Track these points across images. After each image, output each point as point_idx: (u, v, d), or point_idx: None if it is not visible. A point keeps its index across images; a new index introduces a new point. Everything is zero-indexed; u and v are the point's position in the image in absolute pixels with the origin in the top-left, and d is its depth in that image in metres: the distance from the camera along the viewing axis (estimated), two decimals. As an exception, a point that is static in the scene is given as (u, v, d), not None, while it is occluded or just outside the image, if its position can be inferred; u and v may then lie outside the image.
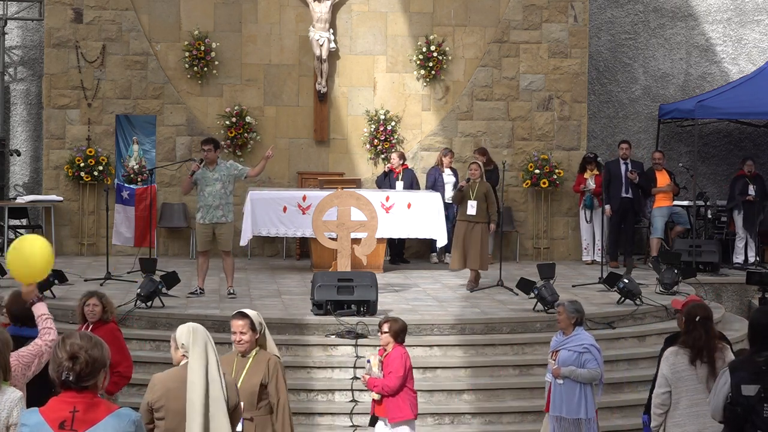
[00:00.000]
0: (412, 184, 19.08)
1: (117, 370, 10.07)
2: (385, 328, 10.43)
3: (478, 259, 15.96)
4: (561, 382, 10.48)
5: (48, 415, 5.36)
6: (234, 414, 7.22)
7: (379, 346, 10.73)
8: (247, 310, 8.43)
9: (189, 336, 7.13)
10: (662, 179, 19.81)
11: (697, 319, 8.62)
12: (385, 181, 19.03)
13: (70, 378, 5.32)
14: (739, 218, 19.99)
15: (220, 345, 13.24)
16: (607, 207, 18.68)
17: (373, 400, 10.52)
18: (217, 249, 15.26)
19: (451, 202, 17.85)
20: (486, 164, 18.86)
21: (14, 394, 6.12)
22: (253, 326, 8.28)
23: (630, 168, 19.35)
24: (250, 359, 8.27)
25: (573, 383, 10.44)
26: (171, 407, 7.02)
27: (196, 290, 15.32)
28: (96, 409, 5.36)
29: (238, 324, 8.30)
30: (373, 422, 10.61)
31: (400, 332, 10.47)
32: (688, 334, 8.63)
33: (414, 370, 13.27)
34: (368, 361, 10.57)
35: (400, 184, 18.83)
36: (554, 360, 10.58)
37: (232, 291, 15.34)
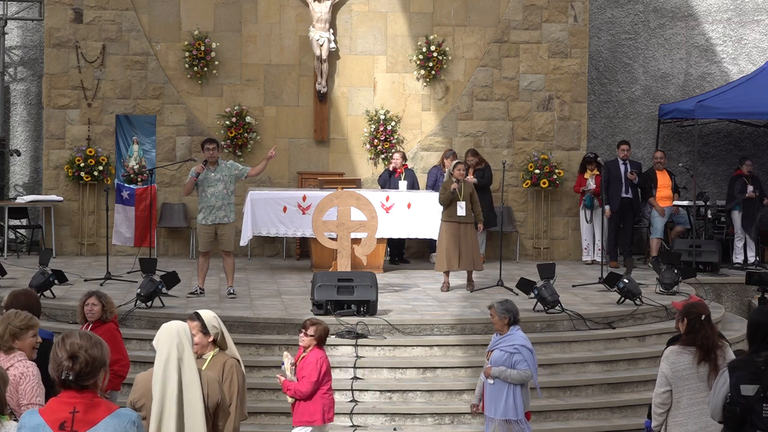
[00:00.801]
0: (413, 184, 19.11)
1: (112, 369, 10.09)
2: (311, 331, 10.26)
3: (473, 260, 15.96)
4: (491, 382, 10.44)
5: (48, 416, 5.34)
6: (219, 412, 7.18)
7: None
8: (202, 311, 8.26)
9: (163, 340, 7.09)
10: (663, 179, 19.81)
11: (703, 318, 8.59)
12: (389, 180, 19.03)
13: (70, 377, 5.31)
14: (737, 218, 19.98)
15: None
16: (607, 208, 18.68)
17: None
18: (218, 249, 15.26)
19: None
20: (477, 164, 19.00)
21: (13, 430, 6.08)
22: (204, 329, 8.09)
23: (629, 168, 19.36)
24: (207, 361, 8.08)
25: (502, 384, 10.39)
26: (150, 406, 7.01)
27: (196, 290, 15.32)
28: (96, 409, 5.34)
29: (190, 324, 8.18)
30: None
31: (324, 336, 10.38)
32: (695, 334, 8.58)
33: (414, 370, 13.36)
34: (282, 363, 10.38)
35: (403, 183, 18.85)
36: (488, 360, 10.54)
37: (232, 291, 15.35)
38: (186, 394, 6.94)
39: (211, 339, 8.15)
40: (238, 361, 8.26)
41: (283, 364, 10.35)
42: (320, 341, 10.34)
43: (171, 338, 7.02)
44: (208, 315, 8.20)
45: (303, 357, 10.28)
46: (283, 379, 10.28)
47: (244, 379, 8.22)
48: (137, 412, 5.61)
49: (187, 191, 15.51)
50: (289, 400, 10.35)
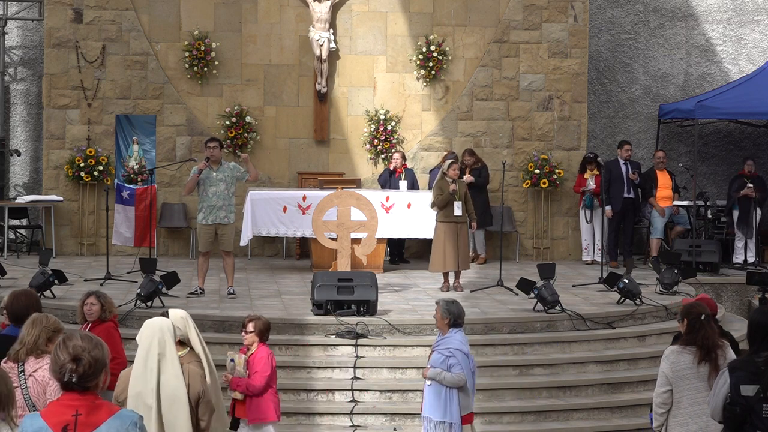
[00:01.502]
0: (413, 184, 19.11)
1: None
2: (250, 327, 10.13)
3: (466, 260, 16.02)
4: (429, 383, 10.34)
5: (50, 419, 5.33)
6: (201, 404, 7.18)
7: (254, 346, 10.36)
8: (172, 311, 8.09)
9: (146, 336, 7.09)
10: (663, 179, 19.80)
11: (703, 317, 8.59)
12: (390, 180, 19.03)
13: (73, 380, 5.31)
14: (735, 216, 19.96)
15: (219, 345, 13.26)
16: (608, 208, 18.67)
17: (235, 400, 10.23)
18: (218, 249, 15.26)
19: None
20: (474, 163, 19.01)
21: None
22: None
23: (630, 168, 19.35)
24: None
25: (439, 386, 10.25)
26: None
27: (197, 290, 15.32)
28: (98, 411, 5.35)
29: None
30: (234, 425, 10.26)
31: (265, 331, 10.25)
32: (695, 334, 8.58)
33: (414, 370, 13.35)
34: (231, 360, 10.17)
35: (403, 183, 18.86)
36: (429, 360, 10.46)
37: (232, 291, 15.34)
38: (166, 389, 6.94)
39: (175, 340, 7.98)
40: (201, 365, 8.02)
41: (232, 360, 10.12)
42: (261, 336, 10.21)
43: (153, 334, 7.05)
44: (175, 316, 8.03)
45: (252, 354, 10.14)
46: (230, 377, 10.09)
47: (204, 384, 7.96)
48: (139, 414, 5.62)
49: (188, 190, 15.42)
50: (238, 396, 10.15)
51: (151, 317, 7.40)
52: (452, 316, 10.32)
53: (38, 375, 7.28)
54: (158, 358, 6.96)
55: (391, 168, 19.15)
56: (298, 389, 13.01)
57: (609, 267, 17.67)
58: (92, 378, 5.35)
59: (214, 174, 14.95)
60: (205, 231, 15.08)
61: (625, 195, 19.34)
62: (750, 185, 19.74)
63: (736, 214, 20.01)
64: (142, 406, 6.92)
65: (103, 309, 10.40)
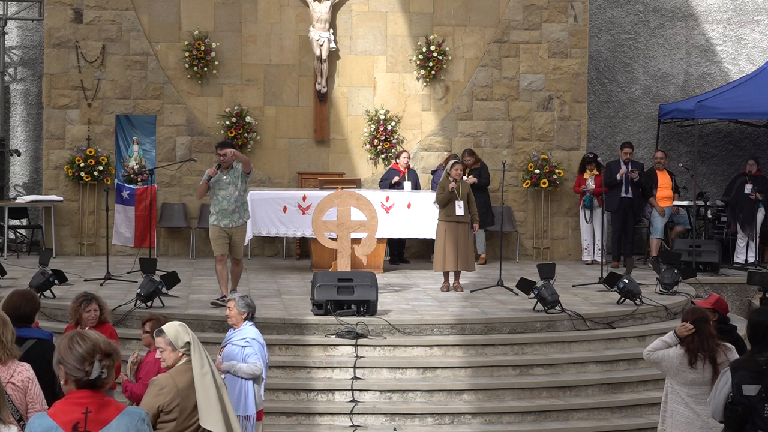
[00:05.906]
0: (416, 184, 19.14)
1: None
2: (148, 327, 9.73)
3: (468, 260, 15.96)
4: (223, 377, 10.12)
5: (59, 418, 5.27)
6: None
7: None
8: None
9: (188, 335, 7.18)
10: (663, 179, 19.80)
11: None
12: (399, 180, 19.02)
13: (104, 375, 5.29)
14: (733, 216, 19.98)
15: (220, 345, 13.24)
16: (623, 167, 18.82)
17: None
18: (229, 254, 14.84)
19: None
20: (474, 163, 19.02)
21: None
22: None
23: (630, 168, 19.33)
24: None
25: (234, 379, 10.16)
26: (185, 406, 7.06)
27: (220, 298, 14.81)
28: (107, 408, 5.34)
29: None
30: None
31: None
32: (684, 342, 8.75)
33: (414, 370, 13.36)
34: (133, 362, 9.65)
35: (408, 184, 18.88)
36: (220, 355, 10.33)
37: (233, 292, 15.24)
38: (219, 383, 7.10)
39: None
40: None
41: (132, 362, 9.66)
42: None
43: (191, 335, 7.14)
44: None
45: (143, 358, 9.66)
46: (125, 378, 9.65)
47: None
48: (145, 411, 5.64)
49: (199, 194, 14.88)
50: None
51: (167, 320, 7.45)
52: (250, 310, 10.40)
53: (16, 380, 7.04)
54: (204, 353, 7.06)
55: (401, 168, 19.10)
56: (298, 389, 13.00)
57: (610, 267, 17.65)
58: (113, 374, 5.39)
59: (224, 177, 14.44)
60: (219, 233, 14.61)
61: (623, 195, 19.32)
62: (751, 187, 19.71)
63: (737, 212, 19.96)
64: (226, 409, 7.01)
65: (102, 312, 10.50)
